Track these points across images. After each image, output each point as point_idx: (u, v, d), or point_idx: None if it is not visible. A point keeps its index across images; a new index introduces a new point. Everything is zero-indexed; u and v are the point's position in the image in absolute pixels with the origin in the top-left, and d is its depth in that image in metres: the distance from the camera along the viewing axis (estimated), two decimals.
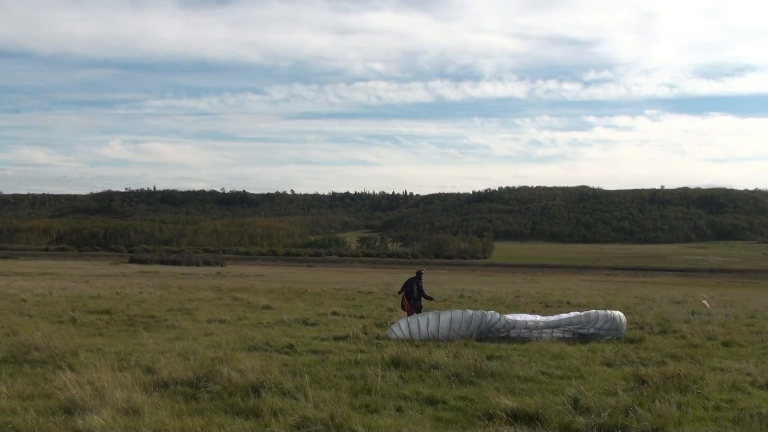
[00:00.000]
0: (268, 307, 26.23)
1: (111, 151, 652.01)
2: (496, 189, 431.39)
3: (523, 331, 17.23)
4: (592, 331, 17.67)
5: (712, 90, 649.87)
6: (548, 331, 17.48)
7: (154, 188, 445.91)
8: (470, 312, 17.36)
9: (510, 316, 17.92)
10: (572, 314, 18.38)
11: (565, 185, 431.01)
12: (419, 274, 20.72)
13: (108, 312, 22.39)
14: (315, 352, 14.30)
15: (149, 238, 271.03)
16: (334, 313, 23.85)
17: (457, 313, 17.15)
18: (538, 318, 18.23)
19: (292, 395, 9.55)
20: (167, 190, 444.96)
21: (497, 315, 17.37)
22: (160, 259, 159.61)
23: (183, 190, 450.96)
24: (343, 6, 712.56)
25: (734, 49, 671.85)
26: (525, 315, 18.89)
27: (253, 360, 11.57)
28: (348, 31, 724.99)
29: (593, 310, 18.89)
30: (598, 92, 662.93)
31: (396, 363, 12.28)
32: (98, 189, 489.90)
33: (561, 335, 17.51)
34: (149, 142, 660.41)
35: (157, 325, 19.44)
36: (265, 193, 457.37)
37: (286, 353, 13.99)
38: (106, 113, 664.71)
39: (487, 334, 16.93)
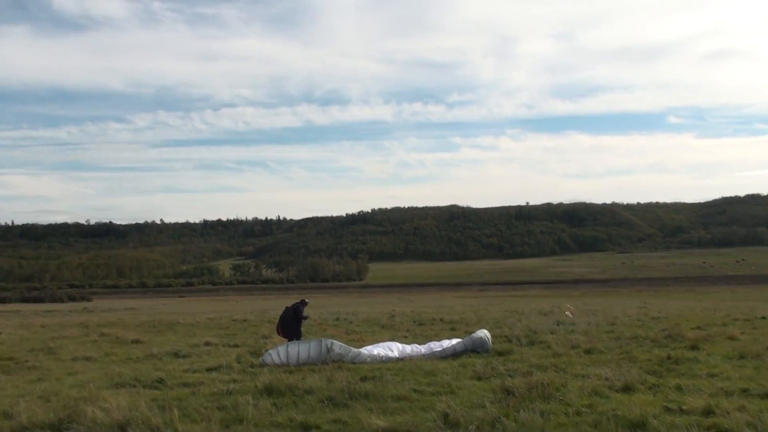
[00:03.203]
0: (137, 341, 25.38)
1: None
2: (369, 211, 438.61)
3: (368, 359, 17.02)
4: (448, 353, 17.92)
5: (568, 109, 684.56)
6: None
7: (12, 222, 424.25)
8: (323, 342, 17.14)
9: (364, 349, 17.78)
10: (410, 348, 18.48)
11: (436, 205, 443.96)
12: (303, 302, 20.91)
13: None
14: (186, 384, 13.96)
15: (8, 275, 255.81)
16: (207, 344, 23.33)
17: (315, 344, 17.00)
18: (382, 353, 17.56)
19: (161, 431, 9.31)
20: (27, 224, 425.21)
21: (348, 348, 17.14)
22: (21, 297, 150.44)
23: (44, 223, 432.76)
24: (207, 32, 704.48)
25: (585, 70, 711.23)
26: (377, 346, 18.40)
27: (120, 397, 11.24)
28: (213, 57, 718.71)
29: (433, 342, 19.37)
30: (463, 113, 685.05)
31: (269, 390, 12.20)
32: None
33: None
34: (5, 175, 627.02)
35: (17, 367, 18.45)
36: (133, 223, 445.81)
37: (156, 388, 13.60)
38: None
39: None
